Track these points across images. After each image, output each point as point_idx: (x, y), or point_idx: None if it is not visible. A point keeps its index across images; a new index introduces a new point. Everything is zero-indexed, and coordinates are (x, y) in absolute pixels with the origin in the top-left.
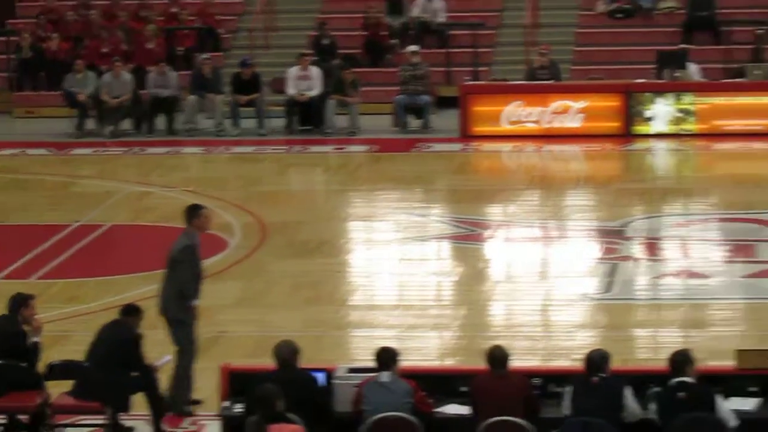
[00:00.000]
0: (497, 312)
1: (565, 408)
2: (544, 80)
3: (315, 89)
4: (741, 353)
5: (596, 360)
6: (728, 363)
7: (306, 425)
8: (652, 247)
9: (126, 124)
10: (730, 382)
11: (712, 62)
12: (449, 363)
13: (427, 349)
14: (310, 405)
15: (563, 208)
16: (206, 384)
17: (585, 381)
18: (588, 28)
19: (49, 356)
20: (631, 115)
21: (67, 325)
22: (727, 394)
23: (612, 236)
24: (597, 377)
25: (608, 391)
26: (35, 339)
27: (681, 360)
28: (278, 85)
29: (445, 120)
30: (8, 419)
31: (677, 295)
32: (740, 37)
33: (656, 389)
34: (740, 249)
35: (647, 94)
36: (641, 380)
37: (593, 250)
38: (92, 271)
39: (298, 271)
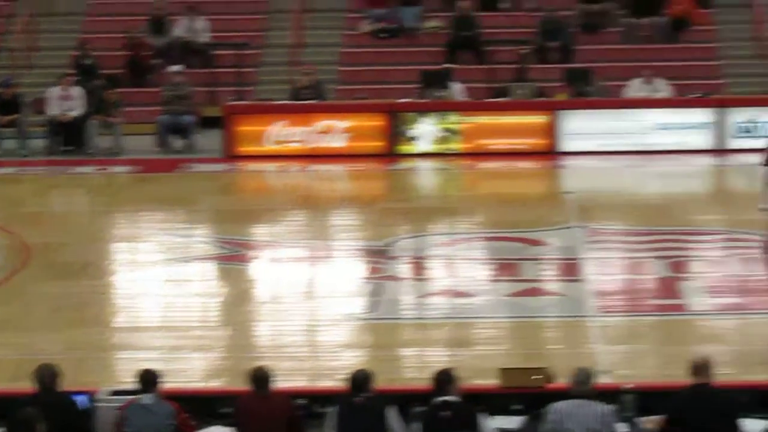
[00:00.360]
0: (263, 332)
1: (329, 428)
2: (308, 100)
3: (77, 109)
4: (504, 372)
5: (360, 380)
6: (492, 381)
7: None
8: (418, 266)
9: None
10: (494, 401)
11: (476, 82)
12: (214, 384)
13: (191, 371)
14: (71, 428)
15: (329, 227)
16: None
17: (349, 401)
18: (353, 48)
19: None
20: (395, 134)
21: None
22: (491, 413)
23: (377, 256)
24: (361, 397)
25: (372, 410)
26: None
27: (444, 379)
28: (39, 106)
29: (210, 140)
30: None
31: (443, 314)
32: (503, 57)
33: (420, 408)
34: (505, 268)
35: (411, 113)
36: (406, 399)
37: (359, 269)
38: None
39: (61, 293)
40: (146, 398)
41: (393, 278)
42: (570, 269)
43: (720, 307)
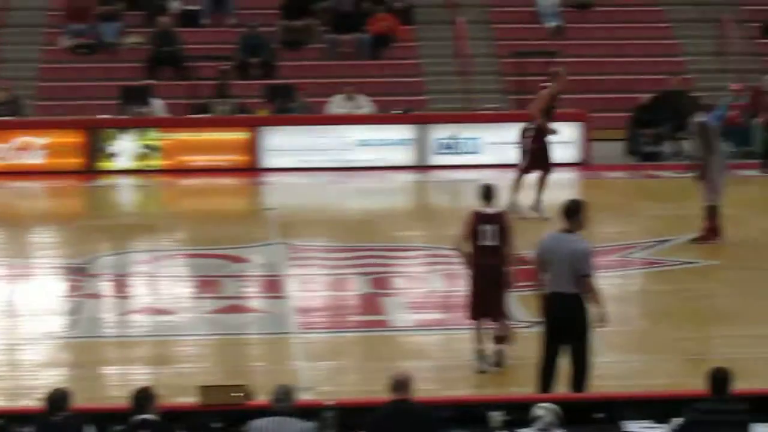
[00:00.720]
0: None
1: None
2: (5, 116)
3: None
4: (204, 389)
5: (57, 399)
6: (192, 399)
7: None
8: (118, 284)
9: None
10: (194, 419)
11: (177, 98)
12: None
13: None
14: None
15: (27, 245)
16: None
17: (46, 420)
18: (51, 63)
19: None
20: (94, 151)
21: None
22: (192, 431)
23: (77, 274)
24: (58, 416)
25: (70, 430)
26: None
27: (143, 397)
28: None
29: None
30: None
31: (143, 331)
32: (204, 73)
33: (119, 427)
34: (207, 285)
35: (111, 130)
36: (105, 418)
37: (58, 288)
38: None
39: None
40: None
41: (93, 296)
42: (272, 286)
43: (422, 322)
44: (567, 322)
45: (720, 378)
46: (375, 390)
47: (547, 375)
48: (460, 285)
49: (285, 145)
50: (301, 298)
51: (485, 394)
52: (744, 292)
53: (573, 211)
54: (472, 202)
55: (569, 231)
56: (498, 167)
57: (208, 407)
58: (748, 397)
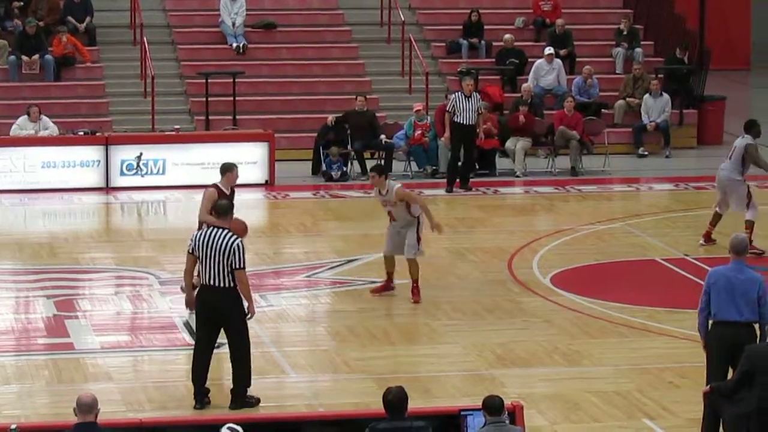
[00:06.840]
0: None
1: None
2: None
3: None
4: None
5: None
6: None
7: None
8: None
9: None
10: None
11: None
12: None
13: None
14: None
15: None
16: None
17: None
18: None
19: None
20: None
21: None
22: None
23: None
24: None
25: None
26: None
27: None
28: None
29: None
30: None
31: None
32: None
33: None
34: None
35: None
36: None
37: None
38: None
39: None
40: None
41: None
42: None
43: (107, 344)
44: (220, 313)
45: (392, 400)
46: (62, 413)
47: (199, 362)
48: (144, 307)
49: None
50: None
51: (172, 416)
52: (426, 312)
53: (226, 209)
54: (157, 224)
55: (221, 228)
56: (183, 188)
57: None
58: (430, 415)
